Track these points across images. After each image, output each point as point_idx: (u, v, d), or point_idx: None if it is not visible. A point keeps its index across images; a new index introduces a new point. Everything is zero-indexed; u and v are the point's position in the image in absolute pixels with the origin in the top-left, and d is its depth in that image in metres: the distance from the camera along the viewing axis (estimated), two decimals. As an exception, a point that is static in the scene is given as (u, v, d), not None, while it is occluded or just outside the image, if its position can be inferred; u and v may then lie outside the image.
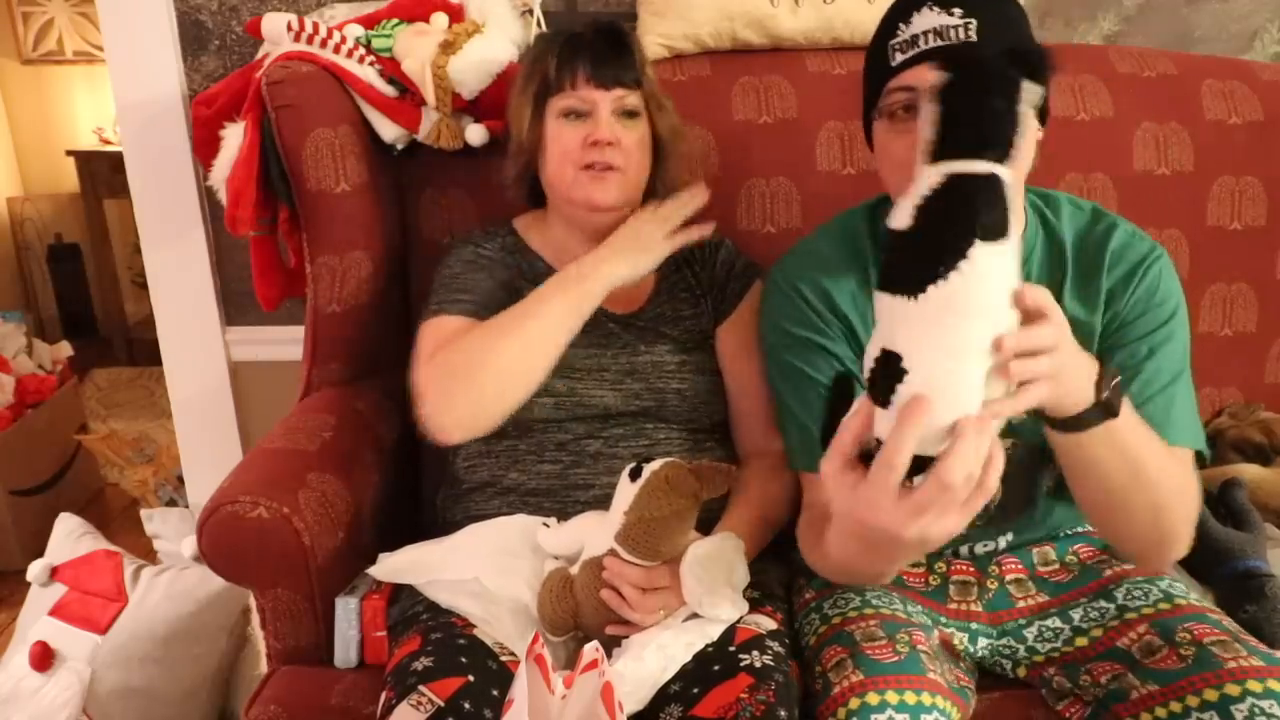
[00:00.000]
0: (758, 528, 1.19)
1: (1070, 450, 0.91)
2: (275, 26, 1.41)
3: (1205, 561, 1.26)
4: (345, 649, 1.20)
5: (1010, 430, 1.09)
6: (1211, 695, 0.90)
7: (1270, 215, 1.55)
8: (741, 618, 1.09)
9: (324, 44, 1.39)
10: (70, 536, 1.71)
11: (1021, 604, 1.13)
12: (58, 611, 1.61)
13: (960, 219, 0.68)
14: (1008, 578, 1.14)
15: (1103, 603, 1.08)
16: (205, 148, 1.45)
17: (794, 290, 1.12)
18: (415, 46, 1.41)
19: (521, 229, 1.37)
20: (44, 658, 1.56)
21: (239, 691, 1.67)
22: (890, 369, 0.70)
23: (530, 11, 1.52)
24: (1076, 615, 1.09)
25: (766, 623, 1.10)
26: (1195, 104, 1.54)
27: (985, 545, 1.15)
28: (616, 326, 1.30)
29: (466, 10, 1.46)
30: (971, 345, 0.70)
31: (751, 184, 1.51)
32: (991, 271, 0.68)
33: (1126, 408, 0.88)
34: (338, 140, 1.35)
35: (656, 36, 1.52)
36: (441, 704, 0.94)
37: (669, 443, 1.26)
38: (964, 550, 1.15)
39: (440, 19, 1.43)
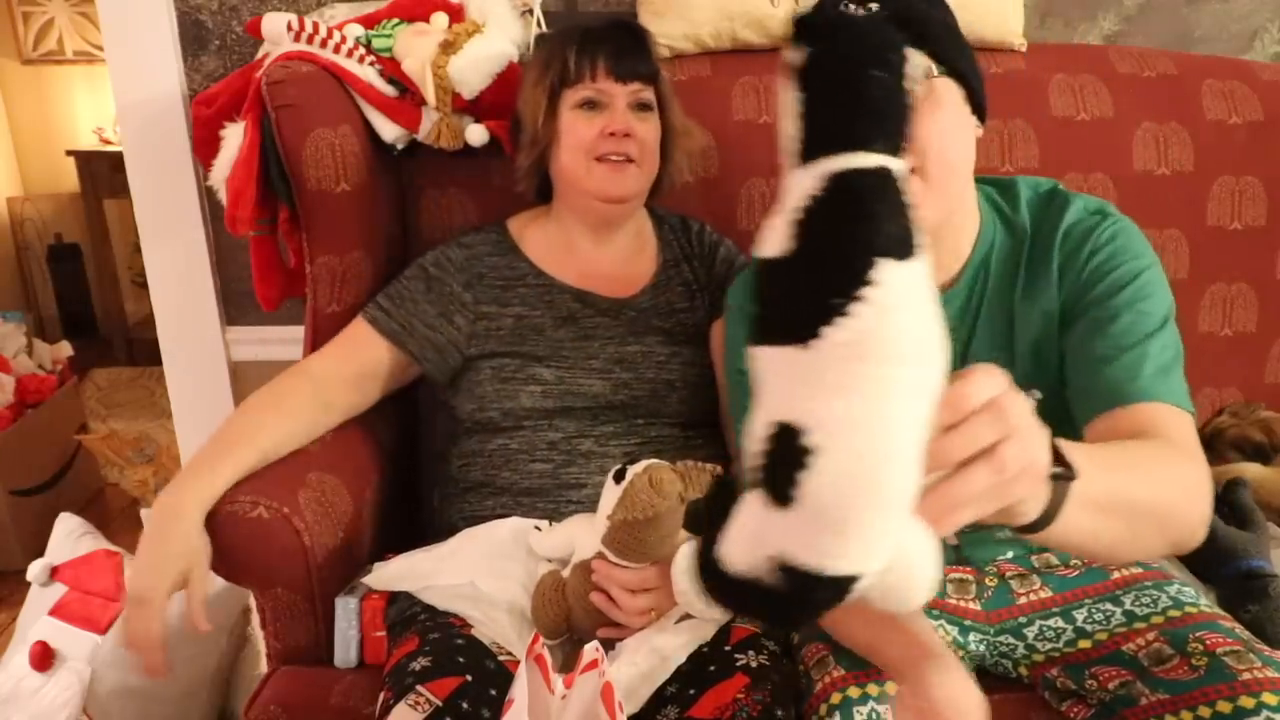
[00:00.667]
0: None
1: (1058, 540, 0.69)
2: (275, 26, 1.41)
3: (1208, 561, 1.25)
4: (345, 649, 1.20)
5: None
6: (1225, 707, 0.88)
7: (1270, 215, 1.55)
8: (736, 617, 1.09)
9: (324, 44, 1.39)
10: (70, 536, 1.71)
11: (1023, 600, 1.11)
12: (58, 611, 1.61)
13: (857, 232, 0.51)
14: (1008, 573, 1.14)
15: (1109, 606, 1.07)
16: (205, 148, 1.45)
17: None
18: (415, 46, 1.41)
19: (515, 229, 1.37)
20: (44, 658, 1.56)
21: (239, 691, 1.66)
22: (789, 449, 0.50)
23: (530, 11, 1.52)
24: (1080, 616, 1.07)
25: (763, 621, 1.11)
26: (1195, 104, 1.54)
27: (982, 554, 1.14)
28: (605, 318, 1.30)
29: (466, 10, 1.46)
30: (895, 406, 0.50)
31: (751, 184, 1.51)
32: (909, 299, 0.51)
33: (1085, 452, 0.68)
34: (338, 140, 1.34)
35: (657, 36, 1.52)
36: (439, 704, 0.94)
37: (661, 440, 1.26)
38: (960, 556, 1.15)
39: (440, 19, 1.43)
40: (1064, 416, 0.96)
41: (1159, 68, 1.56)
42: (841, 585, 0.52)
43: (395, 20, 1.45)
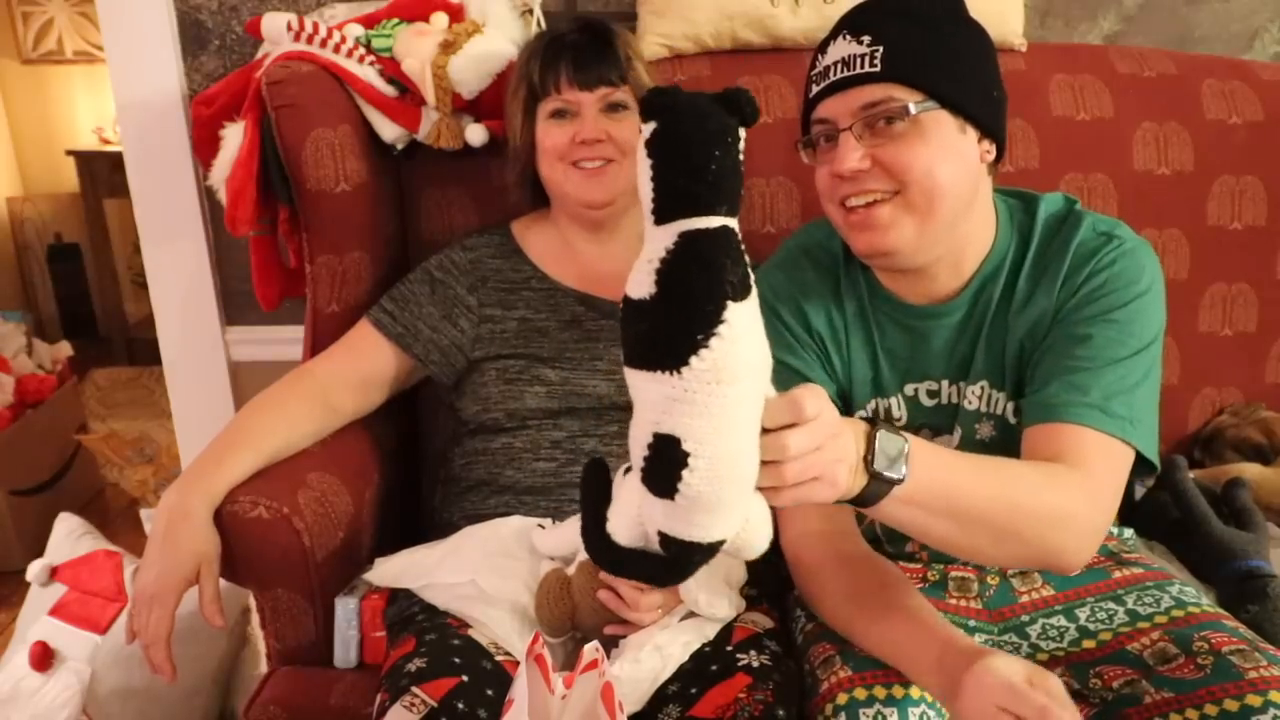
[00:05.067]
0: None
1: (883, 519, 0.84)
2: (275, 26, 1.41)
3: (1208, 561, 1.26)
4: (345, 649, 1.20)
5: (997, 428, 1.08)
6: (1232, 705, 0.88)
7: (1270, 215, 1.55)
8: (739, 616, 1.09)
9: (324, 44, 1.39)
10: (70, 536, 1.71)
11: (1025, 598, 1.11)
12: (58, 611, 1.61)
13: (709, 282, 0.66)
14: (1009, 572, 1.13)
15: (1111, 605, 1.07)
16: (205, 148, 1.45)
17: (772, 312, 1.10)
18: (415, 46, 1.41)
19: (518, 232, 1.38)
20: (44, 658, 1.55)
21: (239, 691, 1.66)
22: (670, 455, 0.67)
23: (530, 11, 1.52)
24: (1082, 614, 1.07)
25: (764, 621, 1.11)
26: (1195, 104, 1.54)
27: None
28: (609, 320, 1.31)
29: (466, 10, 1.46)
30: (744, 413, 0.68)
31: (751, 184, 1.51)
32: (748, 330, 0.67)
33: (929, 461, 0.82)
34: (338, 140, 1.35)
35: (656, 36, 1.52)
36: (434, 705, 0.94)
37: None
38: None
39: (440, 19, 1.43)
40: None
41: (1159, 68, 1.56)
42: (713, 548, 0.72)
43: (395, 20, 1.45)
